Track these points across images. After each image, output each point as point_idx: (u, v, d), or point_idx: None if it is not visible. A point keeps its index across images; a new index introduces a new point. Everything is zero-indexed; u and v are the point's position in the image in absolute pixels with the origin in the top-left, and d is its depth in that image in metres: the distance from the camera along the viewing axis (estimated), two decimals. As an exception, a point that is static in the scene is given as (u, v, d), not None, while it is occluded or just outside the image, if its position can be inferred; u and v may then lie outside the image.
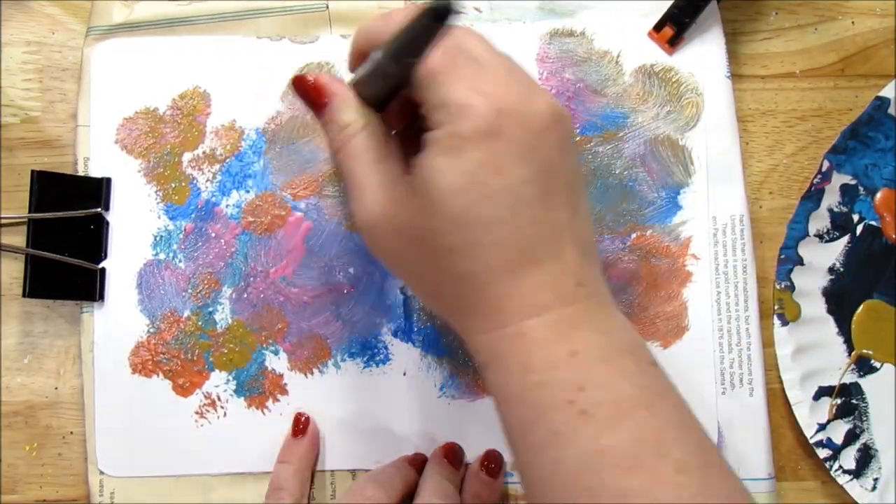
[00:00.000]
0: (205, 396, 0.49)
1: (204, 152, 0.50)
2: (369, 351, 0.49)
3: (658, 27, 0.49)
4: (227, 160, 0.50)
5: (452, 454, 0.48)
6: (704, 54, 0.49)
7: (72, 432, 0.50)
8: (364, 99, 0.37)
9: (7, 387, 0.50)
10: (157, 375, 0.49)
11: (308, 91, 0.38)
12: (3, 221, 0.50)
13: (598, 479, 0.32)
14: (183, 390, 0.49)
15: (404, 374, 0.49)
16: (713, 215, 0.49)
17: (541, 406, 0.33)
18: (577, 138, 0.49)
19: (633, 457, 0.32)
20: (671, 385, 0.35)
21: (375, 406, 0.49)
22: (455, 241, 0.33)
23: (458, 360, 0.49)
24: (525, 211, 0.33)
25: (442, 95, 0.33)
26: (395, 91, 0.36)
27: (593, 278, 0.35)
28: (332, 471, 0.49)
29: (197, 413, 0.49)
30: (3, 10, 0.51)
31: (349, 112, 0.37)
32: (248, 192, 0.50)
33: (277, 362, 0.49)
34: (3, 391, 0.50)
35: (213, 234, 0.50)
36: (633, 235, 0.49)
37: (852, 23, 0.51)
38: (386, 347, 0.49)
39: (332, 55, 0.50)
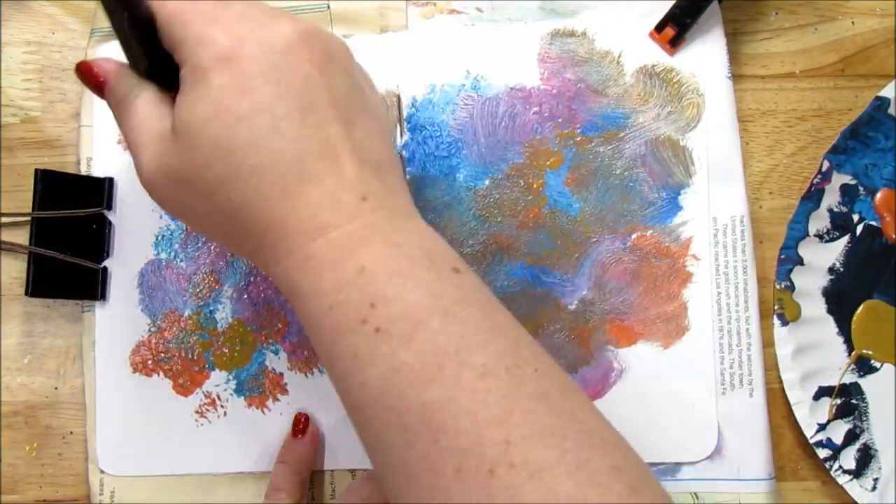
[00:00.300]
0: (205, 396, 0.49)
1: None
2: (370, 350, 0.49)
3: (659, 27, 0.49)
4: (229, 160, 0.50)
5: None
6: (706, 55, 0.49)
7: (72, 432, 0.50)
8: (137, 69, 0.37)
9: (7, 387, 0.50)
10: (158, 374, 0.50)
11: (87, 75, 0.38)
12: (7, 221, 0.50)
13: (401, 397, 0.31)
14: (183, 389, 0.49)
15: (405, 373, 0.49)
16: (714, 216, 0.49)
17: (337, 330, 0.33)
18: (578, 138, 0.49)
19: (432, 368, 0.31)
20: (478, 289, 0.34)
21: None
22: (219, 171, 0.33)
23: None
24: (284, 126, 0.33)
25: (181, 33, 0.33)
26: (155, 50, 0.35)
27: (382, 191, 0.34)
28: (332, 471, 0.49)
29: (197, 412, 0.49)
30: (3, 10, 0.51)
31: (121, 84, 0.37)
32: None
33: (278, 362, 0.49)
34: (4, 391, 0.50)
35: (215, 234, 0.50)
36: (634, 236, 0.49)
37: (852, 23, 0.51)
38: (387, 347, 0.49)
39: (334, 55, 0.50)
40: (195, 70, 0.33)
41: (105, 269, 0.50)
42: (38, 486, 0.50)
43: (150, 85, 0.36)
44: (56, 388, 0.50)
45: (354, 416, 0.34)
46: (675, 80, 0.49)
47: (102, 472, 0.49)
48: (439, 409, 0.31)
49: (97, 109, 0.50)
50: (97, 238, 0.50)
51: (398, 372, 0.31)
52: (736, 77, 0.50)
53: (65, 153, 0.51)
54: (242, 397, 0.49)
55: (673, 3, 0.49)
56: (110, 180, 0.50)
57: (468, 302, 0.33)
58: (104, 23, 0.50)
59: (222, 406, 0.49)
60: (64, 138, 0.51)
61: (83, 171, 0.50)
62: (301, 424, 0.48)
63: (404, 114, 0.50)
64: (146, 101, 0.36)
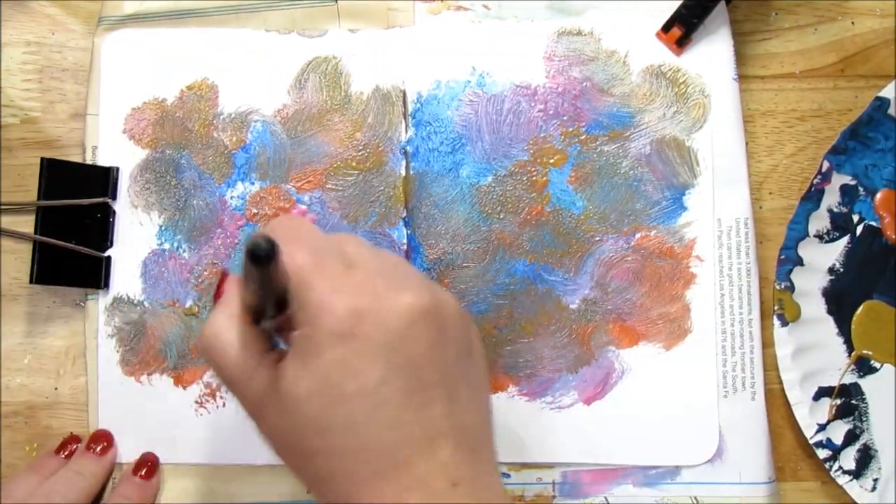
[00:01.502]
0: (205, 386, 0.49)
1: (211, 143, 0.50)
2: (371, 345, 0.49)
3: (666, 28, 0.49)
4: (233, 152, 0.50)
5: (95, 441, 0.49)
6: (712, 56, 0.49)
7: (71, 433, 0.50)
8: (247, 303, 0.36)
9: (7, 387, 0.50)
10: (159, 364, 0.49)
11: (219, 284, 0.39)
12: (12, 209, 0.50)
13: None
14: (183, 380, 0.49)
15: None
16: (718, 217, 0.49)
17: None
18: (583, 137, 0.49)
19: None
20: None
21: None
22: (314, 444, 0.33)
23: (460, 355, 0.49)
24: (383, 413, 0.32)
25: (303, 297, 0.33)
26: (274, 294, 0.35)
27: (474, 474, 0.34)
28: None
29: (197, 402, 0.49)
30: (3, 10, 0.51)
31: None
32: (252, 183, 0.50)
33: (279, 354, 0.49)
34: (3, 391, 0.50)
35: (218, 225, 0.50)
36: (638, 235, 0.49)
37: (852, 23, 0.51)
38: (388, 342, 0.49)
39: (340, 49, 0.50)
40: (309, 340, 0.33)
41: (109, 257, 0.50)
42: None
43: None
44: (56, 389, 0.50)
45: None
46: (681, 81, 0.49)
47: (103, 460, 0.49)
48: None
49: (103, 98, 0.50)
50: (101, 227, 0.50)
51: None
52: (736, 77, 0.50)
53: (65, 153, 0.51)
54: (243, 389, 0.49)
55: (680, 3, 0.49)
56: (115, 169, 0.50)
57: None
58: (112, 11, 0.50)
59: (222, 397, 0.49)
60: (64, 138, 0.51)
61: (88, 160, 0.50)
62: (149, 465, 0.49)
63: (409, 109, 0.50)
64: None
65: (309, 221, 0.36)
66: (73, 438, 0.49)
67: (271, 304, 0.34)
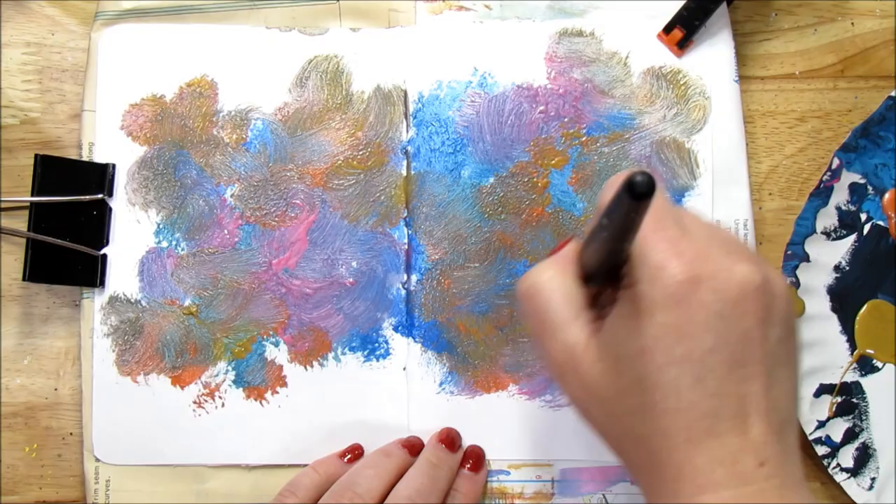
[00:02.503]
0: (203, 386, 0.49)
1: (210, 141, 0.50)
2: (370, 345, 0.49)
3: (667, 29, 0.49)
4: (233, 150, 0.50)
5: (449, 439, 0.48)
6: (713, 58, 0.50)
7: (71, 433, 0.50)
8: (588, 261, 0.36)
9: (7, 388, 0.50)
10: (156, 364, 0.49)
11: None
12: (6, 205, 0.49)
13: None
14: (181, 380, 0.49)
15: (404, 368, 0.49)
16: (717, 219, 0.49)
17: None
18: (584, 138, 0.49)
19: None
20: None
21: (374, 400, 0.49)
22: (635, 403, 0.33)
23: (459, 356, 0.49)
24: (709, 381, 0.32)
25: (643, 255, 0.33)
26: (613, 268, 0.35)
27: (780, 456, 0.33)
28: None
29: (195, 403, 0.49)
30: (2, 10, 0.51)
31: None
32: (253, 182, 0.49)
33: (277, 354, 0.49)
34: (3, 392, 0.50)
35: (217, 224, 0.49)
36: (638, 235, 0.49)
37: (852, 24, 0.52)
38: (386, 342, 0.49)
39: (341, 48, 0.50)
40: (643, 298, 0.33)
41: (104, 256, 0.49)
42: (38, 486, 0.50)
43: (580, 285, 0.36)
44: (56, 390, 0.50)
45: None
46: (681, 83, 0.50)
47: (98, 459, 0.49)
48: None
49: (100, 94, 0.50)
50: (97, 224, 0.49)
51: None
52: (736, 78, 0.51)
53: (65, 154, 0.50)
54: (241, 389, 0.49)
55: (681, 5, 0.49)
56: (112, 166, 0.49)
57: None
58: (109, 6, 0.50)
59: (220, 397, 0.49)
60: (64, 139, 0.51)
61: (85, 157, 0.49)
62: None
63: (410, 109, 0.50)
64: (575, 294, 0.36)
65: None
66: (356, 447, 0.49)
67: (610, 264, 0.34)
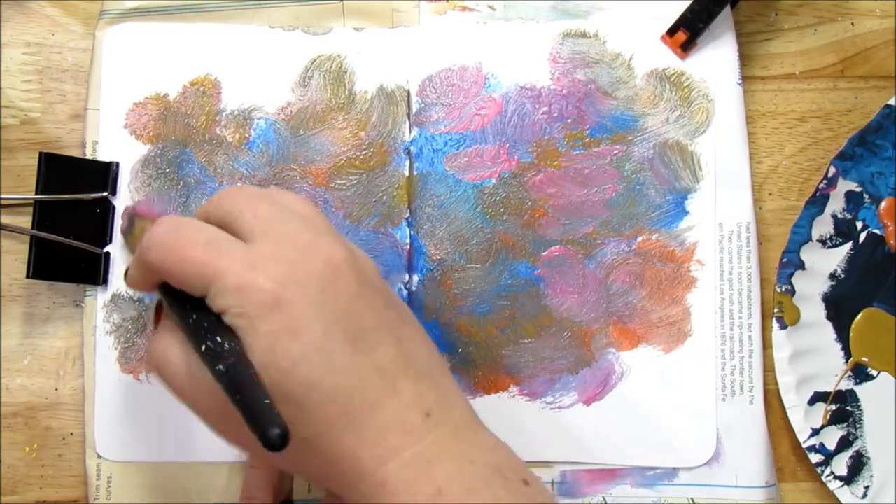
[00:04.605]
0: (205, 384, 0.49)
1: (213, 140, 0.50)
2: (371, 344, 0.49)
3: (671, 31, 0.49)
4: (236, 149, 0.50)
5: None
6: (717, 60, 0.49)
7: (72, 433, 0.50)
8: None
9: (7, 388, 0.50)
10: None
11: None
12: (9, 203, 0.50)
13: None
14: (183, 377, 0.49)
15: (405, 368, 0.49)
16: (720, 221, 0.49)
17: None
18: (587, 139, 0.49)
19: None
20: (546, 499, 0.36)
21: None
22: (286, 413, 0.32)
23: (459, 357, 0.49)
24: (337, 364, 0.33)
25: (217, 288, 0.33)
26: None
27: (442, 402, 0.35)
28: None
29: (197, 400, 0.49)
30: (2, 11, 0.51)
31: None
32: (255, 181, 0.50)
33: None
34: (3, 392, 0.50)
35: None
36: (639, 239, 0.49)
37: (852, 24, 0.51)
38: (388, 341, 0.49)
39: (345, 48, 0.50)
40: (242, 318, 0.33)
41: (107, 254, 0.49)
42: (39, 487, 0.50)
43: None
44: (56, 390, 0.50)
45: None
46: (685, 85, 0.49)
47: (100, 456, 0.49)
48: None
49: (104, 93, 0.50)
50: (101, 222, 0.49)
51: None
52: (735, 78, 0.50)
53: (65, 154, 0.50)
54: (242, 387, 0.49)
55: (686, 7, 0.49)
56: (116, 164, 0.49)
57: None
58: (113, 5, 0.50)
59: (222, 395, 0.49)
60: (64, 139, 0.51)
61: (88, 155, 0.50)
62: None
63: (413, 109, 0.50)
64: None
65: (186, 219, 0.36)
66: None
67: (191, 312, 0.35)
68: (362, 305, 0.35)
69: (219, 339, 0.33)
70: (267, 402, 0.31)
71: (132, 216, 0.43)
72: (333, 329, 0.33)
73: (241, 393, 0.32)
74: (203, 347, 0.33)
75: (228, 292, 0.33)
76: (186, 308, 0.35)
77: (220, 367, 0.32)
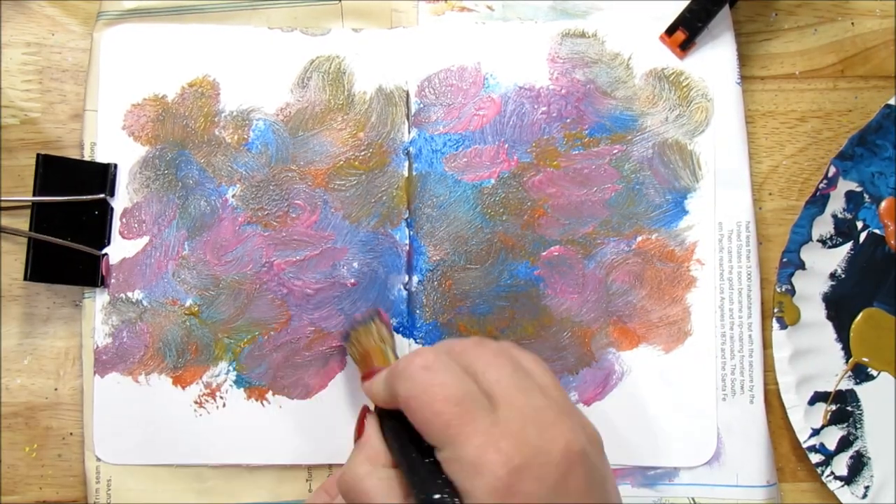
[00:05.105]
0: (204, 386, 0.49)
1: (212, 141, 0.50)
2: (371, 345, 0.49)
3: (670, 31, 0.49)
4: (235, 150, 0.50)
5: None
6: (715, 59, 0.49)
7: (71, 433, 0.50)
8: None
9: (7, 388, 0.50)
10: (157, 364, 0.49)
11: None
12: (7, 205, 0.50)
13: None
14: (182, 380, 0.49)
15: (405, 369, 0.49)
16: (719, 221, 0.49)
17: None
18: (586, 139, 0.49)
19: None
20: None
21: (375, 400, 0.49)
22: None
23: (460, 356, 0.49)
24: None
25: (455, 452, 0.33)
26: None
27: None
28: (309, 466, 0.49)
29: (196, 403, 0.49)
30: (2, 11, 0.51)
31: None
32: (254, 181, 0.49)
33: (279, 354, 0.49)
34: (3, 392, 0.50)
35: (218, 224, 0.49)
36: (639, 238, 0.49)
37: (852, 24, 0.51)
38: (388, 342, 0.49)
39: (343, 49, 0.50)
40: (470, 497, 0.32)
41: (106, 255, 0.49)
42: (38, 486, 0.50)
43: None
44: (56, 390, 0.50)
45: None
46: (684, 84, 0.49)
47: (99, 459, 0.49)
48: None
49: (102, 94, 0.50)
50: (99, 224, 0.49)
51: None
52: (735, 78, 0.50)
53: (65, 154, 0.50)
54: (242, 389, 0.49)
55: (684, 6, 0.49)
56: (114, 166, 0.49)
57: None
58: (111, 6, 0.50)
59: (221, 397, 0.49)
60: (64, 139, 0.51)
61: (87, 157, 0.49)
62: None
63: (412, 110, 0.50)
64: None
65: (443, 359, 0.36)
66: None
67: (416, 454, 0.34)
68: (591, 497, 0.33)
69: (445, 496, 0.32)
70: None
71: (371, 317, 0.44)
72: None
73: None
74: (433, 496, 0.32)
75: (464, 462, 0.32)
76: (414, 450, 0.34)
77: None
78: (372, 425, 0.38)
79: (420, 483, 0.34)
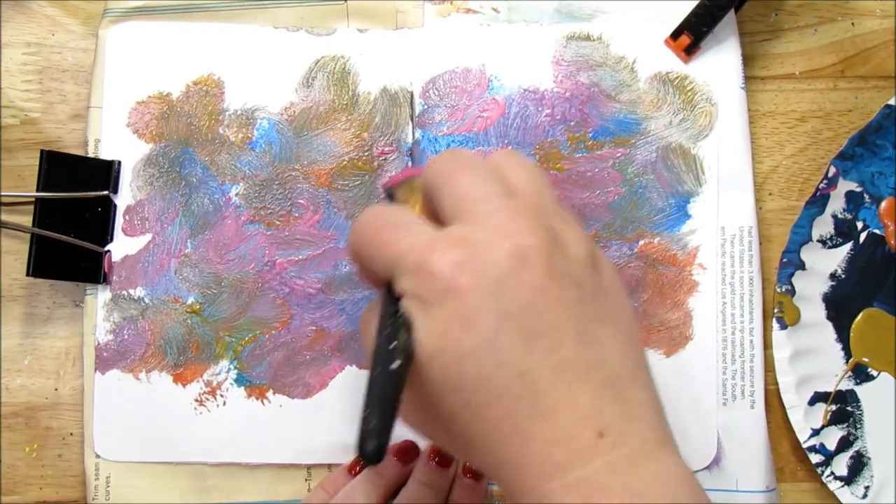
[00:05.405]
0: (205, 384, 0.49)
1: (216, 140, 0.49)
2: (372, 345, 0.49)
3: (675, 35, 0.49)
4: (239, 149, 0.50)
5: (441, 454, 0.47)
6: (720, 64, 0.50)
7: (72, 433, 0.50)
8: None
9: (7, 388, 0.50)
10: (158, 362, 0.49)
11: None
12: (10, 200, 0.49)
13: None
14: (183, 377, 0.49)
15: (407, 370, 0.49)
16: (722, 225, 0.49)
17: None
18: (590, 142, 0.49)
19: None
20: None
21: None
22: (450, 406, 0.31)
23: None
24: (507, 362, 0.30)
25: (401, 268, 0.32)
26: None
27: (622, 420, 0.31)
28: (309, 465, 0.49)
29: (196, 401, 0.49)
30: (2, 11, 0.50)
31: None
32: (258, 181, 0.49)
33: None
34: (3, 392, 0.50)
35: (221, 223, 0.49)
36: (641, 242, 0.49)
37: (852, 24, 0.52)
38: (389, 342, 0.49)
39: (348, 49, 0.50)
40: (416, 300, 0.32)
41: (109, 252, 0.49)
42: (39, 487, 0.50)
43: None
44: (56, 390, 0.50)
45: None
46: (688, 88, 0.50)
47: (98, 456, 0.49)
48: None
49: (107, 91, 0.50)
50: (102, 221, 0.49)
51: None
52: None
53: (66, 154, 0.50)
54: (243, 387, 0.49)
55: (690, 11, 0.49)
56: (118, 163, 0.49)
57: None
58: (117, 3, 0.50)
59: (222, 395, 0.49)
60: (64, 139, 0.50)
61: (91, 153, 0.49)
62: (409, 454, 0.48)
63: (416, 111, 0.50)
64: None
65: (389, 207, 0.37)
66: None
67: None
68: (548, 301, 0.31)
69: (397, 330, 0.32)
70: (391, 417, 0.30)
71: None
72: (507, 324, 0.30)
73: (380, 389, 0.31)
74: (384, 332, 0.32)
75: (408, 274, 0.32)
76: (388, 295, 0.34)
77: (382, 361, 0.31)
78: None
79: (380, 322, 0.33)
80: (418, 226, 0.33)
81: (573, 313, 0.31)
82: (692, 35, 0.49)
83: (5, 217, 0.49)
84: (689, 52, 0.49)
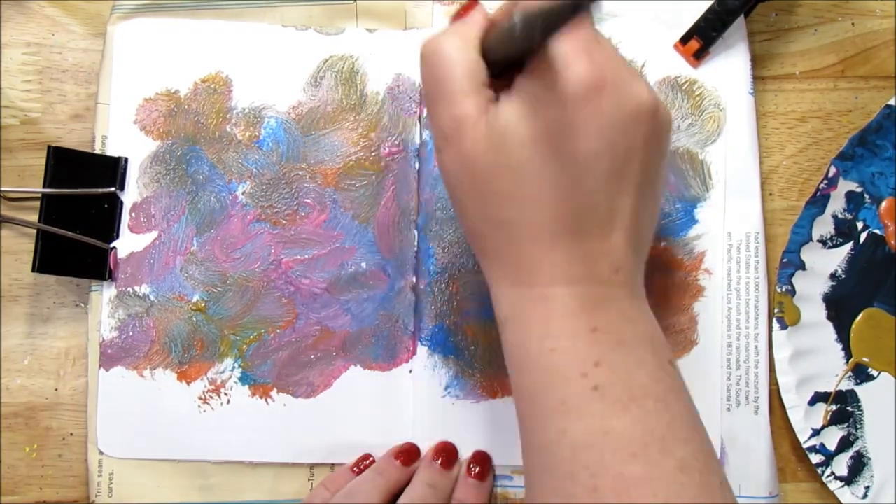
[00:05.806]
0: (209, 383, 0.49)
1: (223, 138, 0.49)
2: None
3: (684, 40, 0.49)
4: (246, 147, 0.49)
5: (445, 455, 0.48)
6: (729, 69, 0.50)
7: (72, 434, 0.50)
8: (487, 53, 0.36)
9: (7, 388, 0.50)
10: (163, 359, 0.49)
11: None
12: (16, 196, 0.49)
13: (600, 459, 0.32)
14: (188, 375, 0.49)
15: (409, 371, 0.49)
16: (728, 231, 0.49)
17: (554, 373, 0.34)
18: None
19: (639, 444, 0.32)
20: (684, 387, 0.36)
21: (379, 402, 0.49)
22: (508, 187, 0.34)
23: (465, 360, 0.49)
24: (586, 183, 0.33)
25: (553, 47, 0.33)
26: (516, 58, 0.35)
27: (632, 269, 0.36)
28: (311, 465, 0.49)
29: (200, 399, 0.49)
30: (2, 10, 0.50)
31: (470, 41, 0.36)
32: (264, 180, 0.49)
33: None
34: (3, 392, 0.50)
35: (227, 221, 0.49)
36: (647, 246, 0.50)
37: (852, 24, 0.52)
38: (393, 343, 0.50)
39: (357, 49, 0.50)
40: (547, 90, 0.33)
41: (114, 249, 0.49)
42: (39, 487, 0.50)
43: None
44: (56, 390, 0.50)
45: (536, 457, 0.35)
46: (697, 93, 0.50)
47: (102, 452, 0.49)
48: (636, 484, 0.32)
49: (115, 88, 0.49)
50: (108, 218, 0.49)
51: (606, 435, 0.32)
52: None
53: (67, 154, 0.50)
54: (247, 386, 0.49)
55: (699, 15, 0.49)
56: (125, 160, 0.49)
57: (678, 396, 0.35)
58: (125, 1, 0.49)
59: (226, 394, 0.49)
60: (64, 140, 0.50)
61: (98, 150, 0.49)
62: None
63: (424, 111, 0.50)
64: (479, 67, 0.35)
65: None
66: (366, 457, 0.49)
67: (518, 55, 0.34)
68: (642, 155, 0.34)
69: None
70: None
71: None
72: (606, 156, 0.33)
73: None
74: None
75: (556, 59, 0.33)
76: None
77: None
78: (479, 16, 0.36)
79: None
80: (589, 23, 0.34)
81: (647, 172, 0.35)
82: (701, 40, 0.49)
83: (11, 213, 0.48)
84: (699, 56, 0.49)
